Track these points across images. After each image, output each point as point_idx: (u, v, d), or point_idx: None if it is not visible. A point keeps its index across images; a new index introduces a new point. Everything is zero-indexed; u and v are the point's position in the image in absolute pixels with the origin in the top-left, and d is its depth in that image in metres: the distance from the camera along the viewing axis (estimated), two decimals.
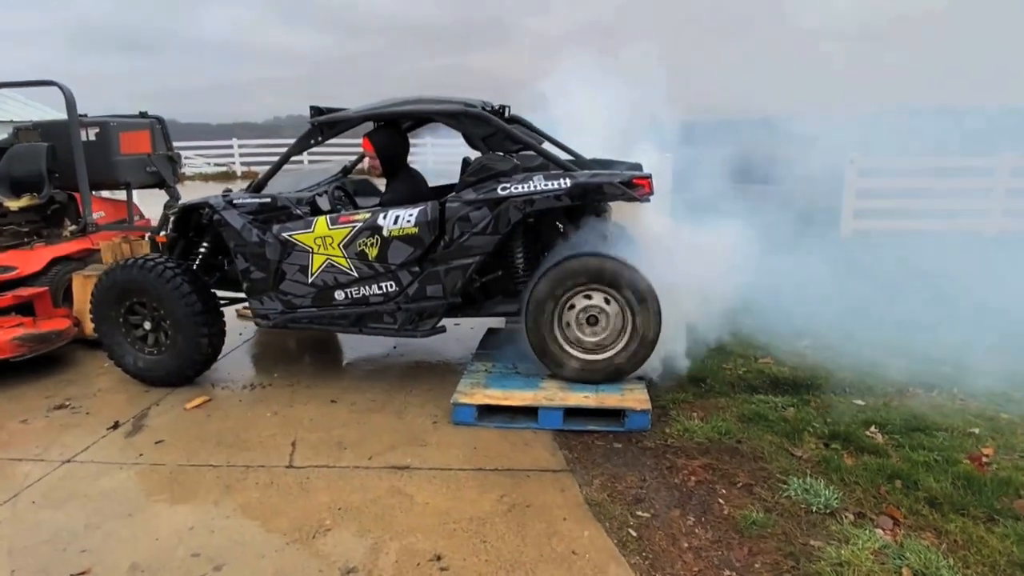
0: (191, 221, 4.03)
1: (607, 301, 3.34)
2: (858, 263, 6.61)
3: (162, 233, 4.12)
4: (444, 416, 3.36)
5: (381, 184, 4.75)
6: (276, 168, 3.70)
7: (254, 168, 19.54)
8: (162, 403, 3.59)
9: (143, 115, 5.81)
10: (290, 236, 3.56)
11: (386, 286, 3.55)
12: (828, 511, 2.45)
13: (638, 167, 3.80)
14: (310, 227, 3.54)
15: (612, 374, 3.37)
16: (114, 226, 5.45)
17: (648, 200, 3.39)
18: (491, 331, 4.38)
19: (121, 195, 6.21)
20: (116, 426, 3.31)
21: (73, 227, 5.01)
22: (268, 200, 3.60)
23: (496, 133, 3.42)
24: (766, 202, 7.06)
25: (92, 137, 5.20)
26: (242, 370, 4.10)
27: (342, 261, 3.54)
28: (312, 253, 3.56)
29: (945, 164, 8.76)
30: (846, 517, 2.42)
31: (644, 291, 3.26)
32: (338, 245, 3.52)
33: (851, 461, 2.78)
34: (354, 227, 3.48)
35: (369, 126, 3.80)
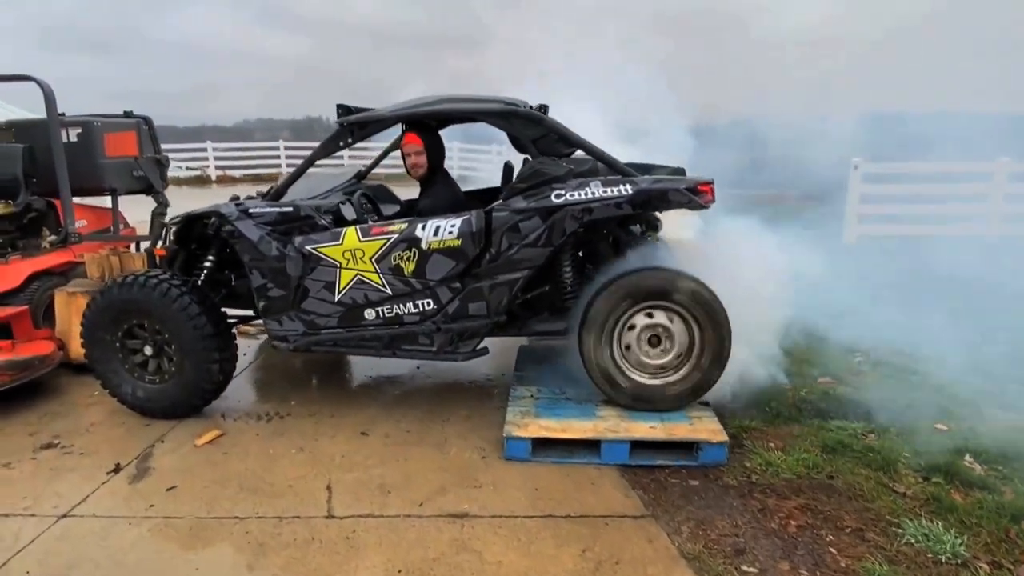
0: (193, 232, 3.62)
1: (672, 320, 3.03)
2: (878, 269, 6.46)
3: (160, 245, 3.69)
4: (492, 449, 3.02)
5: (403, 191, 4.41)
6: (297, 174, 3.31)
7: (229, 172, 18.87)
8: (168, 439, 3.17)
9: (128, 115, 5.34)
10: (315, 249, 3.18)
11: (423, 304, 3.19)
12: (959, 561, 2.17)
13: (681, 171, 3.52)
14: (338, 239, 3.17)
15: (675, 400, 3.06)
16: (99, 236, 4.97)
17: (709, 207, 3.10)
18: (525, 349, 4.04)
19: (102, 202, 5.72)
20: (117, 469, 2.88)
21: (53, 237, 4.53)
22: (290, 210, 3.21)
23: (548, 134, 3.09)
24: (768, 206, 6.91)
25: (74, 138, 4.72)
26: (253, 396, 3.68)
27: (374, 277, 3.17)
28: (340, 268, 3.18)
29: (947, 169, 8.73)
30: (980, 568, 2.14)
31: (714, 308, 2.96)
32: (370, 259, 3.15)
33: (961, 498, 2.52)
34: (388, 239, 3.12)
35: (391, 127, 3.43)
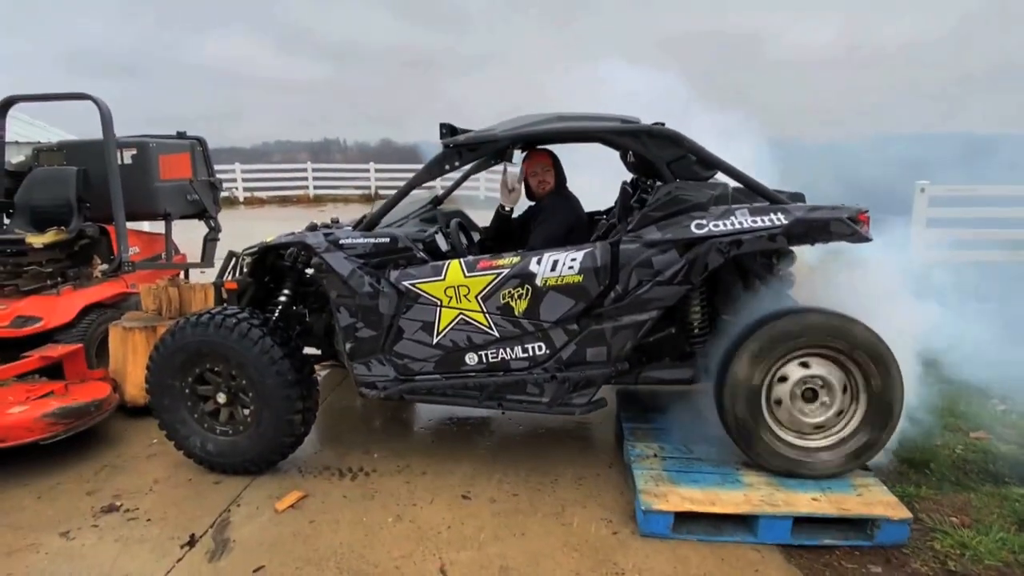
0: (266, 263, 3.27)
1: (832, 371, 2.61)
2: (963, 298, 5.98)
3: (229, 277, 3.34)
4: (620, 520, 2.59)
5: (484, 218, 4.05)
6: (396, 200, 2.95)
7: (257, 194, 18.73)
8: (243, 501, 2.78)
9: (181, 135, 5.05)
10: (413, 285, 2.81)
11: (533, 348, 2.79)
12: None
13: (801, 196, 3.12)
14: (440, 274, 2.79)
15: (833, 466, 2.62)
16: (150, 264, 4.66)
17: (871, 240, 2.70)
18: (624, 392, 3.62)
19: (150, 227, 5.44)
20: (192, 542, 2.49)
21: (105, 266, 4.21)
22: (386, 240, 2.84)
23: (685, 156, 2.71)
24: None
25: (128, 160, 4.43)
26: (329, 447, 3.29)
27: (479, 317, 2.79)
28: (440, 307, 2.81)
29: (1015, 192, 8.26)
30: None
31: (885, 356, 2.54)
32: (475, 297, 2.77)
33: None
34: (498, 275, 2.74)
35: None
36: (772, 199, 2.70)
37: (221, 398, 2.94)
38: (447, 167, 2.84)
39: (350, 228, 3.02)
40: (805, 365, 2.62)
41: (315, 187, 18.62)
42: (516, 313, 2.76)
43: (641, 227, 2.67)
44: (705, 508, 2.46)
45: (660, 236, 2.64)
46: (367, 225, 2.94)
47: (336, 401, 3.88)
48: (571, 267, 2.69)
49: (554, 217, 2.95)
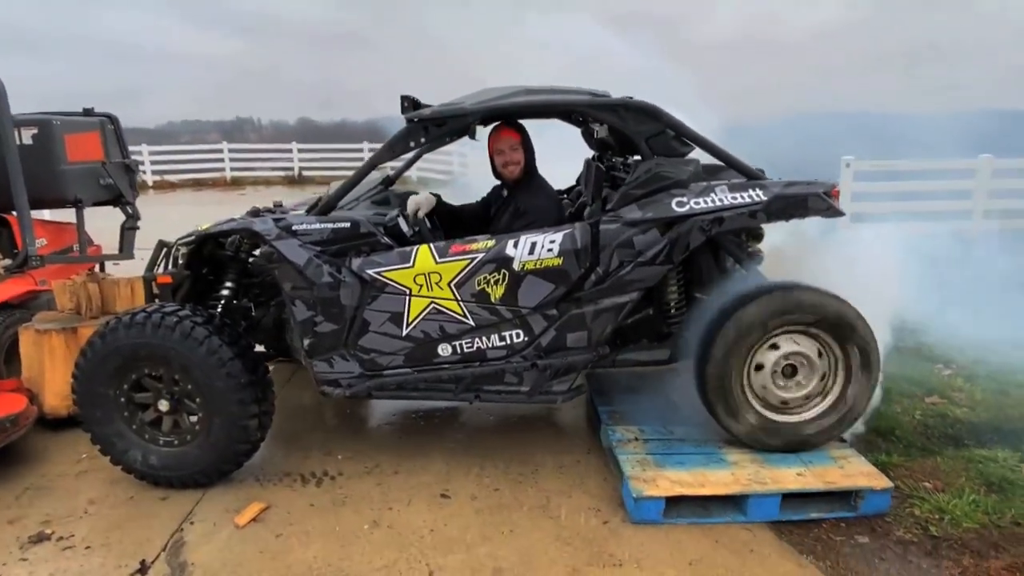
0: (203, 253, 2.96)
1: (811, 346, 2.62)
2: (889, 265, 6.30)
3: (161, 271, 3.00)
4: (609, 509, 2.52)
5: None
6: (355, 180, 2.70)
7: (167, 177, 17.44)
8: (197, 517, 2.51)
9: (88, 112, 4.50)
10: (378, 274, 2.59)
11: (511, 336, 2.65)
12: None
13: (762, 172, 3.12)
14: (408, 261, 2.59)
15: (797, 443, 2.63)
16: (62, 257, 4.16)
17: (843, 214, 2.72)
18: (595, 375, 3.54)
19: (55, 216, 4.87)
20: (144, 569, 2.21)
21: (8, 261, 3.71)
22: (347, 226, 2.60)
23: (664, 131, 2.61)
24: None
25: (28, 140, 3.89)
26: (287, 450, 3.03)
27: (452, 305, 2.61)
28: (409, 296, 2.61)
29: (934, 166, 8.80)
30: None
31: (862, 331, 2.57)
32: (448, 284, 2.59)
33: None
34: (472, 260, 2.57)
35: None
36: (750, 175, 2.66)
37: (163, 406, 2.63)
38: (412, 144, 2.62)
39: (302, 213, 2.75)
40: (781, 344, 2.61)
41: (232, 169, 17.52)
42: (493, 300, 2.60)
43: (621, 206, 2.57)
44: (695, 491, 2.42)
45: (641, 215, 2.54)
46: (323, 209, 2.69)
47: (288, 399, 3.60)
48: (550, 249, 2.55)
49: (539, 215, 2.72)
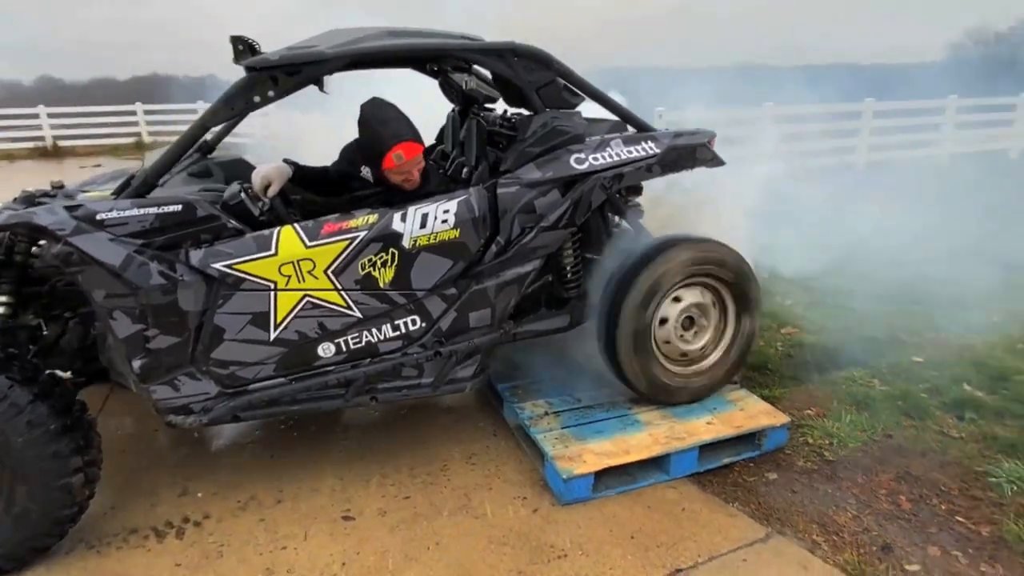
0: None
1: (715, 303, 2.64)
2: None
3: None
4: (534, 494, 2.35)
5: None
6: (180, 149, 2.07)
7: None
8: None
9: None
10: (230, 267, 2.06)
11: (405, 324, 2.30)
12: None
13: (622, 124, 3.09)
14: (270, 248, 2.09)
15: (701, 390, 2.68)
16: None
17: (724, 163, 2.74)
18: None
19: None
20: None
21: None
22: (178, 208, 2.01)
23: (554, 81, 2.37)
24: None
25: None
26: (122, 500, 2.38)
27: (332, 296, 2.18)
28: (275, 290, 2.12)
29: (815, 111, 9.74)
30: None
31: (749, 277, 2.63)
32: (324, 272, 2.15)
33: (1004, 430, 2.61)
34: (353, 239, 2.15)
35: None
36: (641, 127, 2.54)
37: None
38: (257, 98, 2.07)
39: (108, 196, 2.09)
40: (683, 297, 2.60)
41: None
42: (381, 285, 2.22)
43: (518, 166, 2.30)
44: (623, 459, 2.33)
45: (541, 175, 2.31)
46: (138, 189, 2.06)
47: (111, 431, 2.86)
48: (445, 221, 2.22)
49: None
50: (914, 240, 4.89)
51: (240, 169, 2.94)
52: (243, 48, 2.12)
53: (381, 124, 2.19)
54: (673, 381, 2.61)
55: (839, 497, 2.30)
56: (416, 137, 2.22)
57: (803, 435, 2.64)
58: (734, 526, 2.17)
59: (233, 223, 2.10)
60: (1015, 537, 2.04)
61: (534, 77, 2.33)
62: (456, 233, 2.23)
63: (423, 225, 2.20)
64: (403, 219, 2.19)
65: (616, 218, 2.82)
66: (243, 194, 2.20)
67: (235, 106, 2.06)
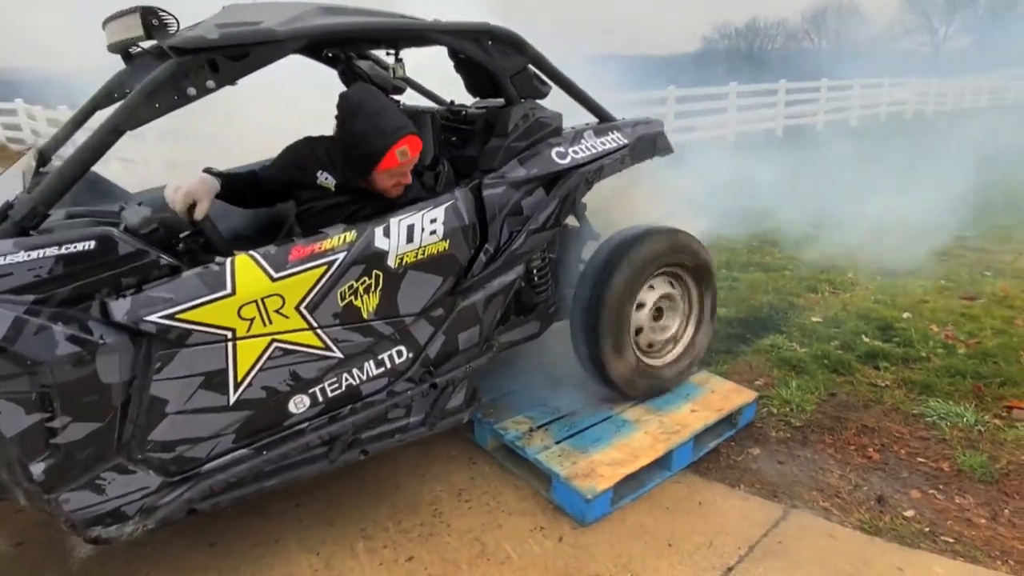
0: None
1: (682, 296, 2.63)
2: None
3: None
4: (550, 520, 2.15)
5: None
6: (84, 163, 1.47)
7: None
8: None
9: None
10: (171, 318, 1.55)
11: (389, 357, 1.95)
12: (983, 425, 2.57)
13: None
14: (224, 287, 1.61)
15: (658, 387, 2.66)
16: None
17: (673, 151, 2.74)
18: None
19: None
20: None
21: None
22: (90, 246, 1.44)
23: (525, 68, 2.13)
24: None
25: None
26: None
27: (306, 337, 1.76)
28: (232, 340, 1.65)
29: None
30: (993, 423, 2.58)
31: (712, 267, 2.68)
32: (296, 308, 1.72)
33: (923, 375, 2.96)
34: (330, 264, 1.74)
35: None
36: (605, 117, 2.42)
37: None
38: (192, 90, 1.56)
39: None
40: (656, 286, 2.56)
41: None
42: (365, 316, 1.84)
43: (503, 163, 2.05)
44: (636, 465, 2.23)
45: (526, 173, 2.08)
46: (22, 223, 1.45)
47: None
48: (433, 232, 1.90)
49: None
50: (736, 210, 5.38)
51: (99, 188, 2.28)
52: (158, 25, 1.57)
53: (378, 115, 1.79)
54: (642, 371, 2.55)
55: (820, 460, 2.44)
56: (417, 130, 1.86)
57: (764, 406, 2.77)
58: (753, 509, 2.18)
59: (166, 259, 1.57)
60: (969, 467, 2.33)
61: (509, 63, 2.08)
62: (446, 245, 1.93)
63: (410, 239, 1.86)
64: (386, 234, 1.82)
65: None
66: (151, 224, 1.64)
67: (161, 101, 1.53)
